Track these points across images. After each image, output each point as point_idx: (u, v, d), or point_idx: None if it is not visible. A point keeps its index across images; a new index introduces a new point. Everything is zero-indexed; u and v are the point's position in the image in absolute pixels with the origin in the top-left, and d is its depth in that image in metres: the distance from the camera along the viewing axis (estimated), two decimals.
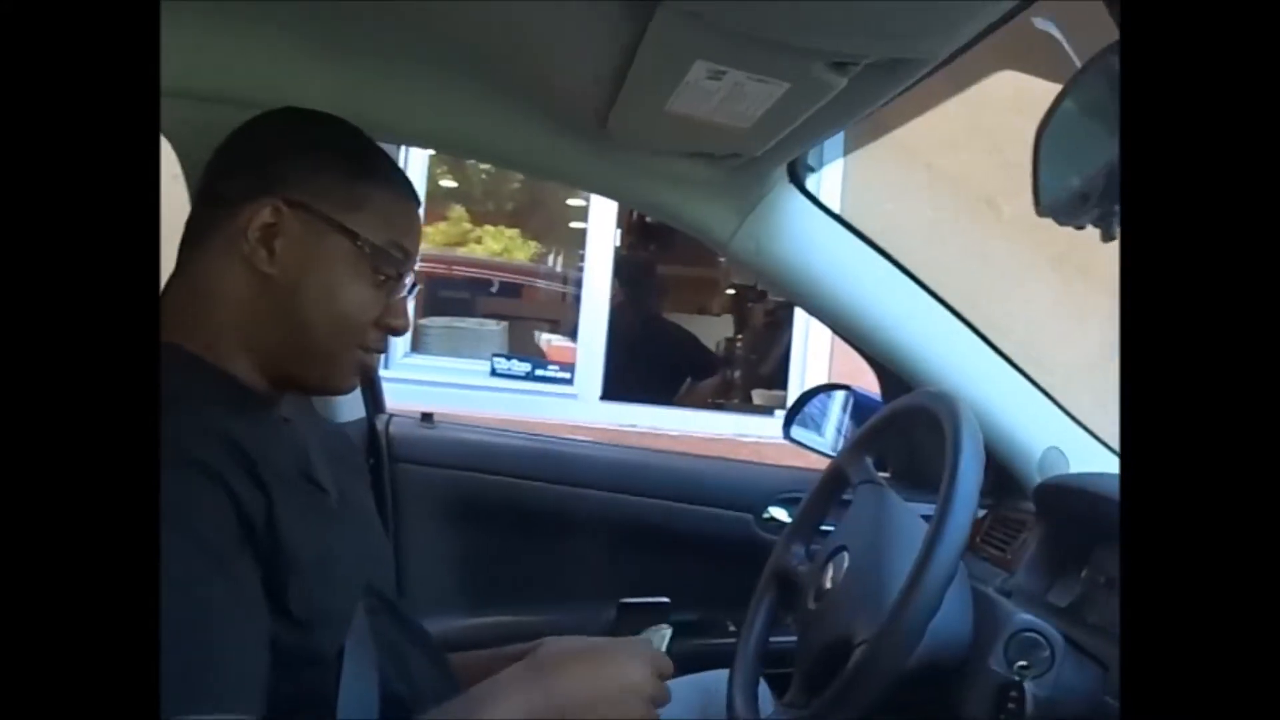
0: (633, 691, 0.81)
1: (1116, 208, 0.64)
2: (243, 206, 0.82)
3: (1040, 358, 2.82)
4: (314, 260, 0.83)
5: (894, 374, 1.39)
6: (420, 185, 3.16)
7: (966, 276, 2.94)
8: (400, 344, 3.10)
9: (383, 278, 0.86)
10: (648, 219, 3.30)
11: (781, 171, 1.22)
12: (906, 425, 1.06)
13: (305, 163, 0.85)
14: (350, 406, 1.48)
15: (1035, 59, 1.00)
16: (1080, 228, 0.70)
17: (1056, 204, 0.72)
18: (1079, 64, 0.69)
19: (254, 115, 0.89)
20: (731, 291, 4.52)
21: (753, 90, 0.85)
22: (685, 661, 1.29)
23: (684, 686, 1.22)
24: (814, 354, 2.95)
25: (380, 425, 1.53)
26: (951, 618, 0.91)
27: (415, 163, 3.09)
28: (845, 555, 1.00)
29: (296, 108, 0.91)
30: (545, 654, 0.83)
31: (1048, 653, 0.92)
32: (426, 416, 1.58)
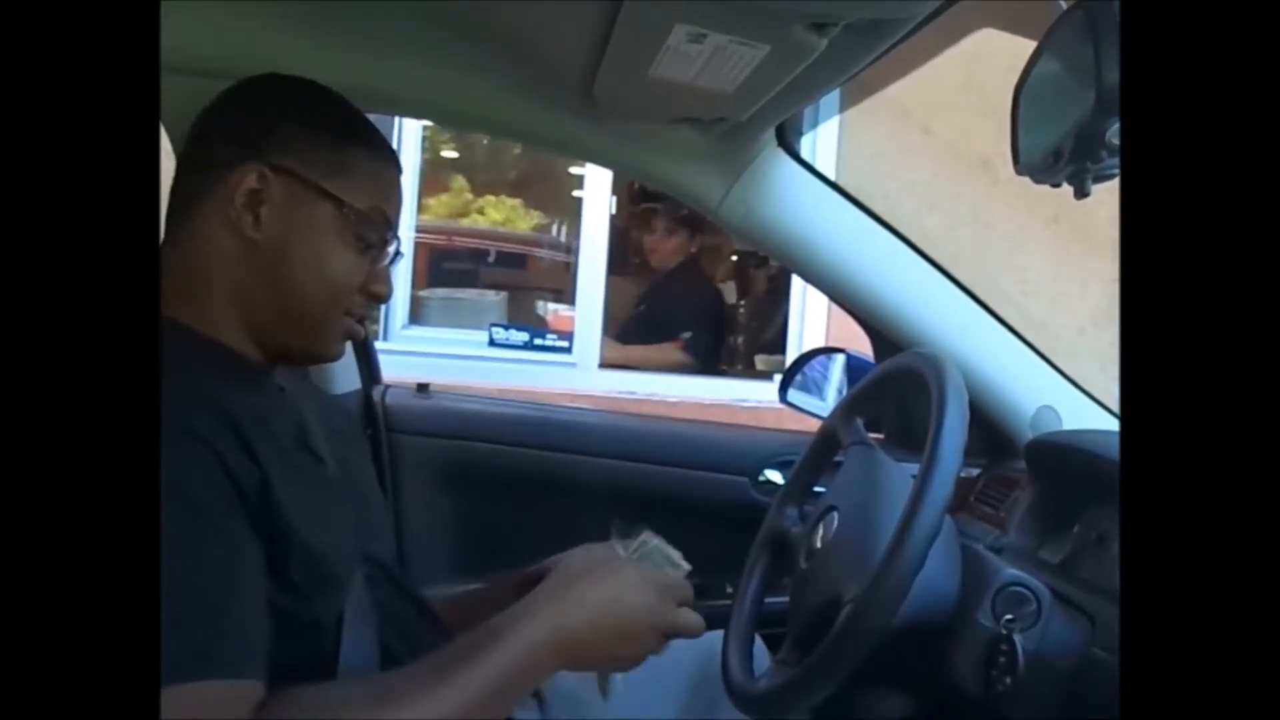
0: (650, 603, 0.84)
1: (1089, 165, 0.65)
2: (228, 173, 0.82)
3: (1038, 318, 2.84)
4: (298, 226, 0.83)
5: (886, 336, 1.40)
6: (416, 157, 3.15)
7: (964, 239, 2.94)
8: (398, 316, 3.10)
9: (366, 244, 0.86)
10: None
11: (770, 135, 1.22)
12: (895, 386, 1.07)
13: (290, 129, 0.85)
14: (346, 378, 1.49)
15: (1023, 17, 0.99)
16: (1056, 185, 0.70)
17: (1034, 162, 0.72)
18: None
19: (247, 81, 0.89)
20: (734, 258, 4.51)
21: (734, 54, 0.85)
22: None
23: (682, 648, 1.24)
24: (811, 318, 2.95)
25: (376, 396, 1.54)
26: (938, 574, 0.92)
27: (410, 134, 3.07)
28: (835, 515, 1.01)
29: (281, 74, 0.90)
30: (569, 564, 0.86)
31: (1034, 606, 0.94)
32: (422, 387, 1.59)
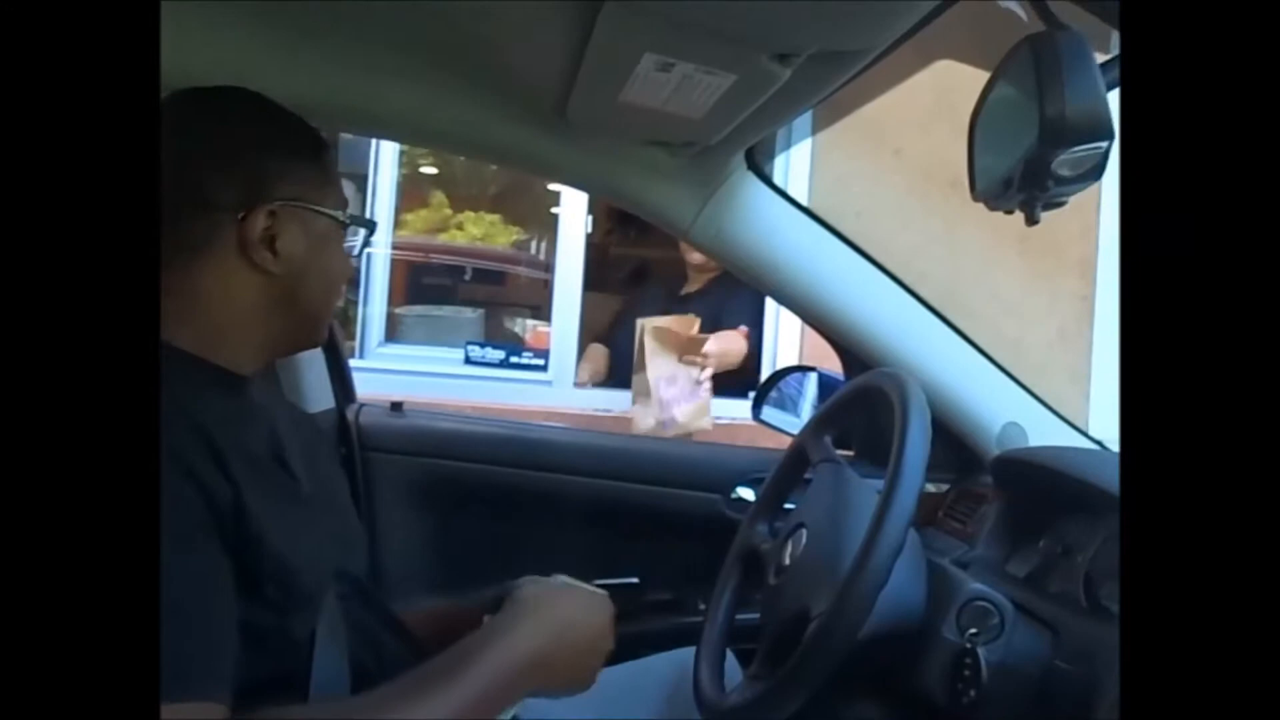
0: (600, 625, 0.89)
1: (1038, 193, 0.67)
2: (237, 214, 0.83)
3: (1008, 335, 2.88)
4: (311, 249, 0.88)
5: (856, 355, 1.42)
6: (394, 172, 3.16)
7: (935, 257, 2.97)
8: (374, 334, 3.10)
9: (349, 238, 0.94)
10: None
11: (740, 159, 1.24)
12: (862, 404, 1.09)
13: (286, 162, 0.87)
14: (320, 396, 1.50)
15: (979, 48, 1.02)
16: (1009, 212, 0.73)
17: (988, 189, 0.75)
18: None
19: (209, 106, 0.87)
20: None
21: (701, 81, 0.88)
22: (658, 639, 1.33)
23: (656, 663, 1.25)
24: (784, 336, 2.97)
25: (350, 415, 1.54)
26: (904, 589, 0.94)
27: (387, 150, 3.08)
28: (804, 532, 1.03)
29: (251, 97, 0.89)
30: (524, 595, 0.88)
31: (998, 620, 0.96)
32: (396, 406, 1.60)
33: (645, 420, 2.55)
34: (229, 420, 0.80)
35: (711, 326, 2.69)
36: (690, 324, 2.61)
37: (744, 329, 2.74)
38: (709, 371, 2.56)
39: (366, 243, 0.98)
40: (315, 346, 0.99)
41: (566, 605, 0.88)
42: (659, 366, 2.59)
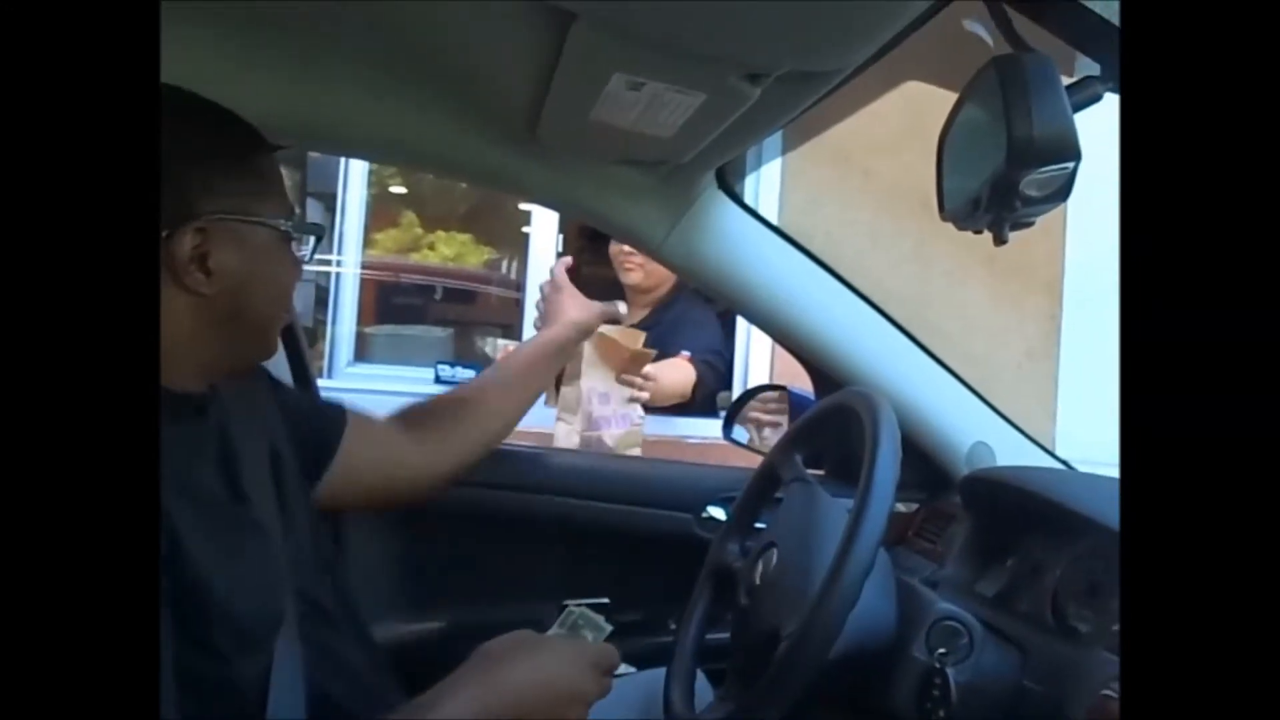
0: (575, 676, 0.84)
1: (1006, 213, 0.68)
2: (163, 235, 0.78)
3: (977, 354, 2.91)
4: (249, 262, 0.83)
5: (827, 374, 1.42)
6: (363, 192, 3.15)
7: (905, 276, 3.01)
8: (343, 353, 3.08)
9: (294, 242, 0.88)
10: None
11: (710, 178, 1.25)
12: (832, 423, 1.09)
13: (213, 171, 0.81)
14: None
15: (946, 70, 1.03)
16: (978, 232, 0.74)
17: (957, 209, 0.76)
18: None
19: None
20: None
21: (672, 100, 0.88)
22: (628, 659, 1.32)
23: (626, 684, 1.24)
24: (755, 355, 2.98)
25: None
26: (873, 608, 0.94)
27: (356, 170, 3.07)
28: (774, 551, 1.02)
29: (168, 96, 0.82)
30: (489, 648, 0.84)
31: (966, 639, 0.96)
32: None
33: (569, 439, 2.29)
34: (169, 450, 0.78)
35: (658, 355, 2.42)
36: (636, 338, 2.33)
37: (686, 354, 2.55)
38: (646, 395, 2.34)
39: (317, 248, 0.91)
40: (266, 359, 0.93)
41: (539, 662, 0.83)
42: (594, 379, 2.31)
